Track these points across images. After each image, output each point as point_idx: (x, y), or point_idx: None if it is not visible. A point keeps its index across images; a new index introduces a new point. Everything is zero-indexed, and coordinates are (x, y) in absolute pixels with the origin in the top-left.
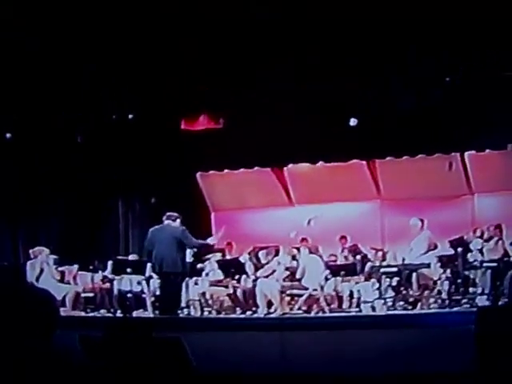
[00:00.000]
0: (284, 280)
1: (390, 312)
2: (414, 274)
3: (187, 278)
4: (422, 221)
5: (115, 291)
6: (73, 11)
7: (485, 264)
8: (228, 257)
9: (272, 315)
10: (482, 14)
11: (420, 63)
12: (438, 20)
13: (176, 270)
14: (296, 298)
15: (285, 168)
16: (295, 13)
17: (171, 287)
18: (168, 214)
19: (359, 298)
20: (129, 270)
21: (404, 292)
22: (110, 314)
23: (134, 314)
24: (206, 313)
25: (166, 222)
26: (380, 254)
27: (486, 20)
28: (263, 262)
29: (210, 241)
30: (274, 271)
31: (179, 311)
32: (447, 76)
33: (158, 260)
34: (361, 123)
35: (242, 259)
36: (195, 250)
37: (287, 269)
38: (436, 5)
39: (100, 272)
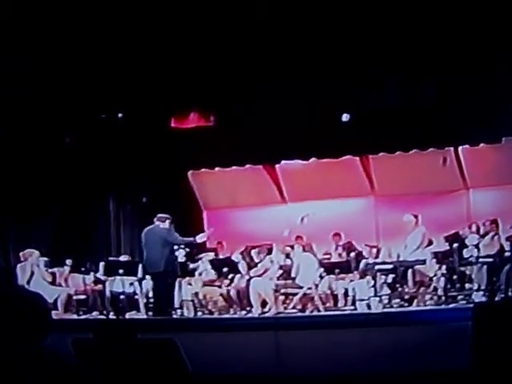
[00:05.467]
0: (278, 279)
1: (385, 310)
2: (410, 271)
3: (180, 279)
4: (416, 217)
5: (107, 293)
6: (62, 11)
7: (481, 260)
8: (220, 256)
9: (266, 315)
10: (477, 11)
11: (413, 59)
12: (431, 17)
13: (164, 270)
14: (290, 297)
15: (277, 165)
16: (286, 10)
17: (162, 287)
18: (158, 215)
19: (354, 296)
20: (121, 271)
21: (400, 289)
22: (103, 316)
23: (127, 315)
24: (199, 313)
25: (156, 223)
26: (375, 250)
27: (480, 18)
28: (256, 260)
29: (198, 238)
30: (266, 270)
31: (173, 312)
32: (440, 70)
33: (147, 261)
34: (353, 119)
35: (234, 258)
36: (185, 248)
37: (281, 267)
38: (430, 3)
39: (92, 273)
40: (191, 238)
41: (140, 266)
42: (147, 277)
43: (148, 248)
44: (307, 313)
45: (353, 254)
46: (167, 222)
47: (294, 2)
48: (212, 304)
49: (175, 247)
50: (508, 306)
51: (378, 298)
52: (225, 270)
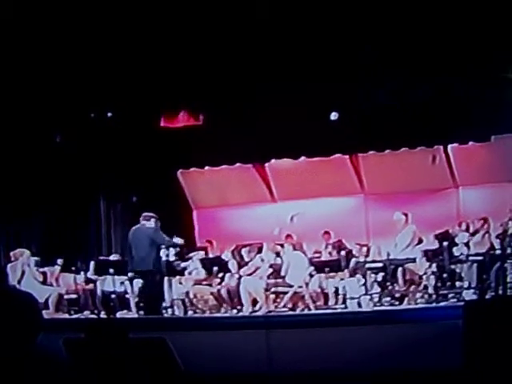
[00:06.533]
0: (268, 277)
1: (376, 308)
2: (400, 269)
3: (171, 278)
4: (405, 215)
5: (98, 292)
6: (53, 10)
7: (471, 258)
8: (210, 255)
9: (257, 313)
10: (466, 13)
11: (403, 58)
12: (419, 17)
13: (150, 269)
14: (281, 296)
15: (267, 164)
16: (277, 10)
17: (149, 286)
18: (144, 214)
19: (345, 295)
20: (111, 270)
21: (390, 287)
22: (94, 316)
23: (118, 314)
24: (190, 312)
25: (142, 222)
26: (365, 249)
27: (472, 17)
28: (246, 259)
29: (175, 240)
30: (257, 268)
31: (163, 311)
32: (430, 69)
33: (134, 259)
34: (342, 117)
35: (224, 257)
36: (176, 247)
37: (271, 266)
38: (421, 4)
39: (82, 273)
40: (175, 240)
41: (127, 264)
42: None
43: (135, 247)
44: (298, 311)
45: (343, 253)
46: (152, 220)
47: (289, 4)
48: (203, 303)
49: (163, 246)
50: (498, 303)
51: (368, 297)
52: (215, 268)
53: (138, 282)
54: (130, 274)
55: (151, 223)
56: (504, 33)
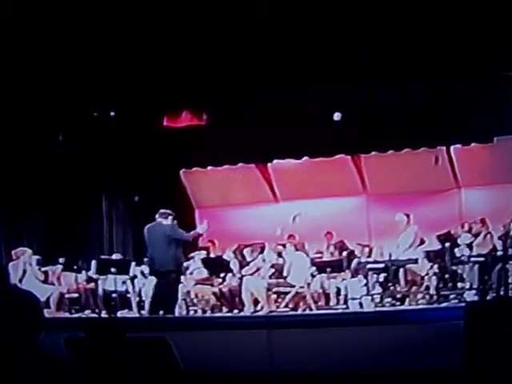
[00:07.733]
0: (270, 277)
1: (377, 308)
2: (402, 270)
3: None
4: (407, 216)
5: (100, 291)
6: (56, 10)
7: (472, 259)
8: (212, 255)
9: (259, 313)
10: (466, 13)
11: (405, 58)
12: (422, 17)
13: (168, 268)
14: (282, 296)
15: (269, 164)
16: (277, 10)
17: (165, 285)
18: (160, 211)
19: (346, 295)
20: (113, 269)
21: (391, 288)
22: (95, 315)
23: (119, 314)
24: (191, 312)
25: (159, 219)
26: (367, 249)
27: (472, 18)
28: (248, 259)
29: (199, 229)
30: (258, 269)
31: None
32: (433, 70)
33: (150, 258)
34: (345, 118)
35: (226, 257)
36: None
37: (273, 266)
38: (420, 4)
39: (84, 272)
40: (194, 232)
41: (132, 264)
42: (139, 275)
43: (152, 246)
44: (299, 311)
45: (345, 253)
46: (170, 218)
47: (289, 4)
48: (204, 302)
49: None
50: (500, 304)
51: (369, 297)
52: (217, 268)
53: (140, 282)
54: (149, 276)
55: (168, 221)
56: (504, 33)
